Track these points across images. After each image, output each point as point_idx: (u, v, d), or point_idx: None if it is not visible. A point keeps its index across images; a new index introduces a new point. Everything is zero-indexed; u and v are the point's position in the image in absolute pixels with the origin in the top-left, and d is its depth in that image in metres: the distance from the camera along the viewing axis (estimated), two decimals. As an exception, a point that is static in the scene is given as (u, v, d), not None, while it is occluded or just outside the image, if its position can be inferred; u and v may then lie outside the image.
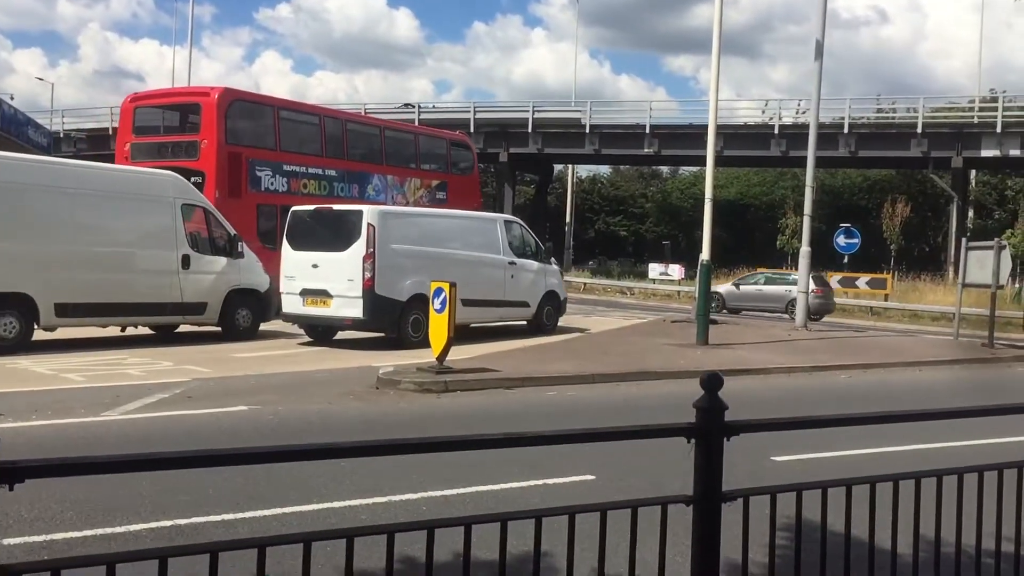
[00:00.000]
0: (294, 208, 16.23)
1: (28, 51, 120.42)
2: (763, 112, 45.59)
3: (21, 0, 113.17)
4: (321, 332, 15.96)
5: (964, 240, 21.51)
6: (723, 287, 28.49)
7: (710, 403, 2.75)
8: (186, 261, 15.02)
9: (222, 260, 15.64)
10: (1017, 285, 30.83)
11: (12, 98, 39.60)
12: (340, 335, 16.00)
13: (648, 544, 2.87)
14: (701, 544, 2.77)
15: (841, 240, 30.32)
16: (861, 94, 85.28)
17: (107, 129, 49.00)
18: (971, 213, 47.13)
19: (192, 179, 18.10)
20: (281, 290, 15.76)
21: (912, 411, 3.69)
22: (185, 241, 15.11)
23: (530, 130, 44.03)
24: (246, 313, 15.96)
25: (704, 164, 18.10)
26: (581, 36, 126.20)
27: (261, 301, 16.21)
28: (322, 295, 15.02)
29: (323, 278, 14.98)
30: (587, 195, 66.33)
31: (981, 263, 18.97)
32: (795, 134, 38.73)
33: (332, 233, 15.30)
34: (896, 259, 40.64)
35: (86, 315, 14.08)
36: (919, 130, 38.98)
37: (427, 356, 12.33)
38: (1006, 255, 18.85)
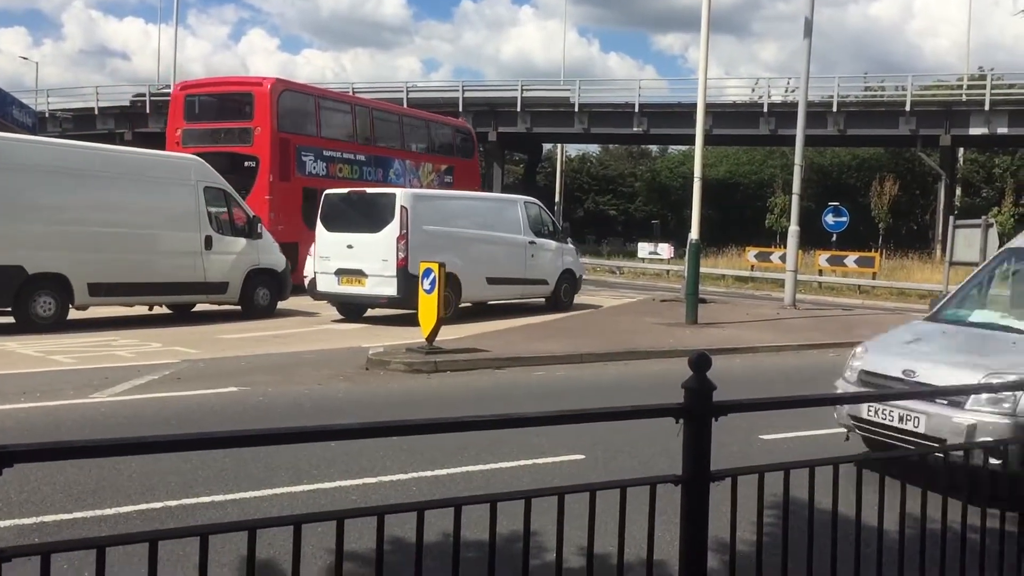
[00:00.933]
0: (327, 191, 16.89)
1: (11, 30, 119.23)
2: (752, 91, 45.60)
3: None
4: (352, 310, 16.60)
5: (952, 218, 21.58)
6: None
7: (698, 384, 2.76)
8: (209, 242, 15.60)
9: (242, 241, 16.23)
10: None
11: (-4, 78, 39.16)
12: (368, 313, 16.63)
13: (637, 523, 2.88)
14: (689, 523, 2.79)
15: (829, 219, 30.34)
16: (849, 72, 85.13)
17: (92, 109, 48.72)
18: (959, 191, 47.25)
19: (246, 163, 20.14)
20: (316, 270, 16.38)
21: (899, 390, 3.71)
22: (208, 223, 15.67)
23: (519, 109, 43.87)
24: (264, 292, 16.60)
25: (693, 143, 18.09)
26: (570, 14, 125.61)
27: (278, 280, 16.85)
28: (357, 274, 15.70)
29: (358, 258, 15.63)
30: (576, 174, 66.25)
31: (968, 241, 19.04)
32: (784, 112, 38.69)
33: (366, 215, 15.97)
34: (884, 237, 40.74)
35: (116, 294, 14.65)
36: (907, 108, 39.00)
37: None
38: (993, 233, 18.91)
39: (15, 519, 5.22)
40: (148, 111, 47.96)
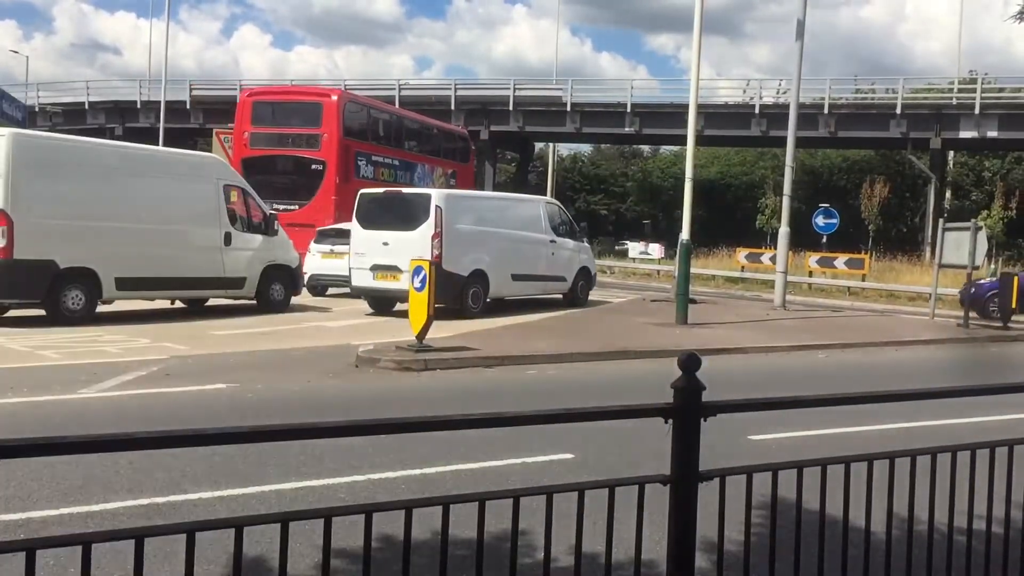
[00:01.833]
0: (363, 191, 17.87)
1: (2, 23, 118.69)
2: (744, 92, 45.69)
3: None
4: (384, 303, 17.21)
5: (941, 221, 21.66)
6: None
7: (687, 384, 2.77)
8: (228, 238, 16.03)
9: (258, 237, 16.70)
10: (992, 266, 31.10)
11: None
12: (398, 307, 16.96)
13: (625, 523, 2.88)
14: (677, 523, 2.79)
15: (820, 220, 30.43)
16: (840, 74, 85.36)
17: (83, 103, 48.52)
18: (948, 194, 47.44)
19: (312, 166, 22.30)
20: (351, 265, 17.10)
21: (887, 391, 3.72)
22: (227, 219, 16.09)
23: (511, 108, 43.86)
24: (279, 287, 17.04)
25: (685, 143, 18.11)
26: (562, 13, 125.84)
27: (292, 276, 17.39)
28: (392, 270, 16.09)
29: (393, 254, 16.06)
30: (568, 173, 66.26)
31: (958, 244, 19.13)
32: (775, 114, 38.79)
33: (401, 214, 16.77)
34: (874, 239, 40.85)
35: (142, 288, 15.05)
36: (898, 111, 39.13)
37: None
38: (982, 236, 19.01)
39: (1, 514, 5.20)
40: (139, 106, 47.84)
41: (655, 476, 2.82)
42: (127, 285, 14.59)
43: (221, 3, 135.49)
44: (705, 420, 2.79)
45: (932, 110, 39.70)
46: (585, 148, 71.27)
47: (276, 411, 8.29)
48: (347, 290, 19.88)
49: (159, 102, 42.48)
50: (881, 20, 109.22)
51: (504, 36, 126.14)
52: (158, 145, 28.55)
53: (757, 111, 41.34)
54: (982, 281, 21.61)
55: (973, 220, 19.86)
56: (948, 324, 19.30)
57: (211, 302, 16.73)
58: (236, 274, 16.23)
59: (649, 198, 63.29)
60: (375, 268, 16.50)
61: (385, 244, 16.38)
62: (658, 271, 35.51)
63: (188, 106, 46.15)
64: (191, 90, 47.31)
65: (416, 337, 11.65)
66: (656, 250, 37.37)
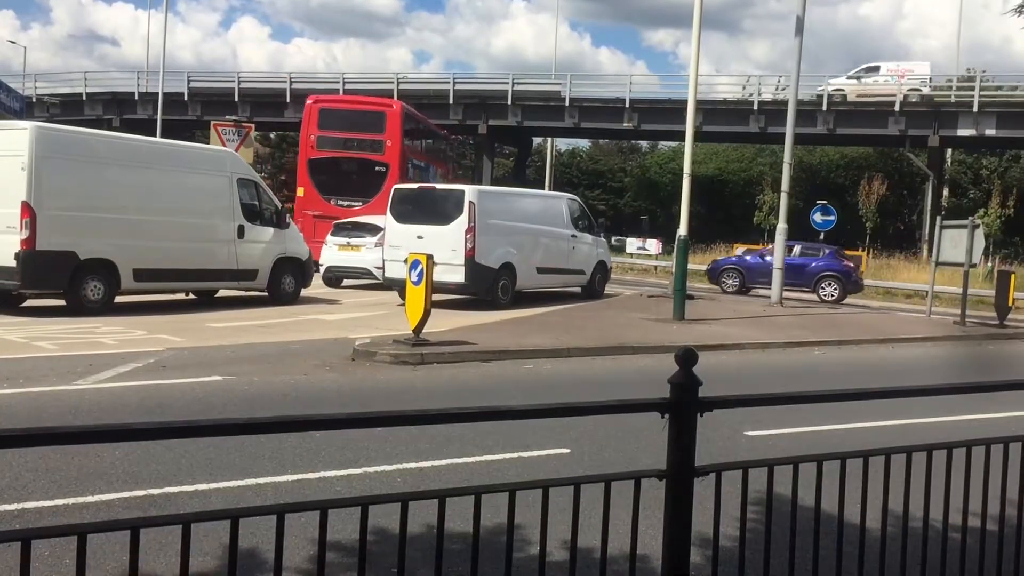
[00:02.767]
0: (396, 186, 18.71)
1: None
2: (743, 88, 45.55)
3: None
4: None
5: (939, 219, 21.68)
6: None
7: (684, 379, 2.76)
8: (241, 231, 16.29)
9: (270, 230, 16.95)
10: (989, 264, 31.14)
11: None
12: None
13: (621, 517, 2.89)
14: (673, 518, 2.79)
15: (817, 217, 30.42)
16: (839, 72, 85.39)
17: (81, 95, 48.39)
18: (946, 192, 47.43)
19: (376, 168, 24.89)
20: (385, 258, 17.69)
21: (883, 388, 3.72)
22: (240, 212, 16.33)
23: (510, 102, 43.76)
24: (290, 279, 17.31)
25: (683, 139, 18.11)
26: (561, 8, 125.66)
27: (303, 268, 17.67)
28: None
29: (428, 248, 16.48)
30: (566, 168, 66.18)
31: (955, 242, 19.15)
32: (774, 111, 38.74)
33: (436, 209, 17.44)
34: (871, 237, 40.84)
35: (158, 280, 15.28)
36: (897, 108, 39.12)
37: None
38: (979, 234, 19.03)
39: (-4, 505, 5.19)
40: (137, 98, 47.72)
41: (651, 471, 2.82)
42: (144, 276, 14.82)
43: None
44: (702, 415, 2.79)
45: (930, 108, 39.69)
46: (583, 143, 71.30)
47: (272, 404, 8.29)
48: (361, 282, 20.61)
49: (157, 94, 42.33)
50: (880, 17, 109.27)
51: (503, 31, 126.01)
52: (156, 137, 28.54)
53: (756, 107, 41.29)
54: (719, 258, 28.61)
55: (970, 218, 19.88)
56: (944, 322, 19.33)
57: (221, 293, 16.85)
58: (249, 266, 16.48)
59: (647, 194, 63.21)
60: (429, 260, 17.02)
61: (420, 238, 16.76)
62: (655, 267, 35.52)
63: (186, 98, 46.03)
64: (189, 82, 47.19)
65: (413, 331, 11.64)
66: (654, 246, 37.38)
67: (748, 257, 28.39)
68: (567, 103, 43.40)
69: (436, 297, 17.56)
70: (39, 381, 8.80)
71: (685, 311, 16.55)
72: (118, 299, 15.00)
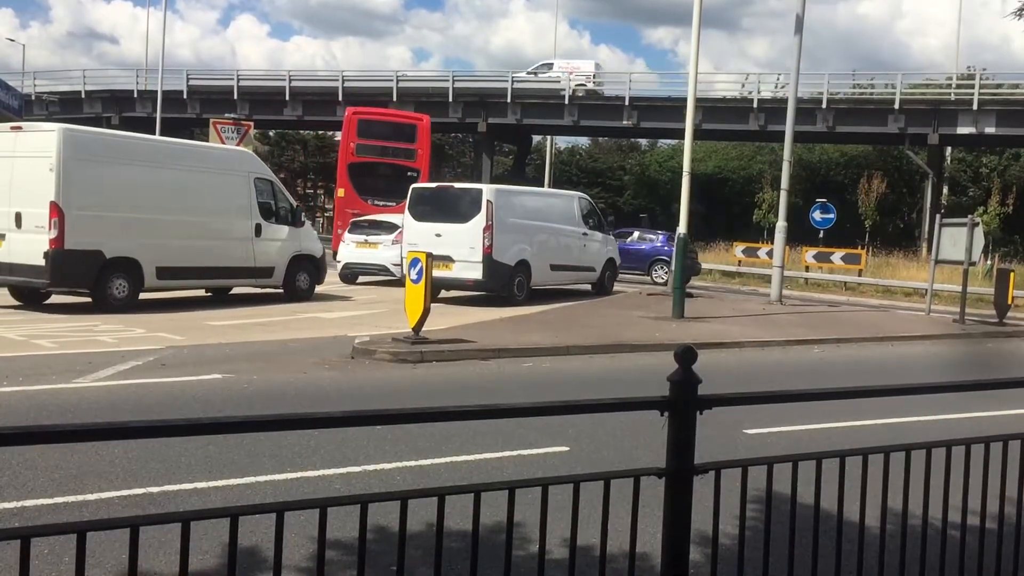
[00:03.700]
0: (414, 186, 19.50)
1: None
2: (742, 86, 45.52)
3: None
4: (432, 291, 18.04)
5: (938, 217, 21.67)
6: None
7: (684, 376, 2.76)
8: (258, 229, 16.61)
9: (286, 228, 17.26)
10: (988, 262, 31.14)
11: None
12: (443, 294, 17.79)
13: (621, 515, 2.89)
14: (672, 516, 2.79)
15: (817, 215, 30.44)
16: (838, 70, 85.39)
17: (79, 92, 48.32)
18: (945, 190, 47.40)
19: (408, 173, 26.79)
20: (403, 255, 18.14)
21: (882, 386, 3.73)
22: (257, 211, 16.66)
23: (509, 100, 43.72)
24: (305, 277, 17.63)
25: (683, 137, 18.11)
26: (561, 5, 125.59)
27: (317, 265, 17.98)
28: (445, 260, 16.95)
29: (446, 245, 17.09)
30: (565, 166, 66.13)
31: (954, 240, 19.13)
32: (774, 108, 38.71)
33: (453, 207, 17.88)
34: (871, 235, 40.83)
35: (180, 278, 15.65)
36: (896, 106, 39.07)
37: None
38: (979, 232, 19.02)
39: (-4, 503, 5.19)
40: (136, 96, 47.68)
41: (651, 469, 2.82)
42: (167, 275, 15.16)
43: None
44: (701, 413, 2.79)
45: (930, 106, 39.65)
46: (583, 141, 71.27)
47: (271, 402, 8.28)
48: (378, 278, 21.03)
49: (156, 91, 42.26)
50: (879, 16, 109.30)
51: (502, 29, 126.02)
52: (155, 135, 28.54)
53: (755, 105, 41.26)
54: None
55: (970, 216, 19.87)
56: (944, 320, 19.33)
57: (235, 291, 17.16)
58: (266, 264, 16.81)
59: (646, 192, 63.16)
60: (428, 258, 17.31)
61: (438, 236, 17.17)
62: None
63: (185, 96, 45.99)
64: (188, 80, 47.15)
65: (412, 329, 11.64)
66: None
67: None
68: (567, 101, 43.38)
69: (445, 294, 18.00)
70: (38, 379, 8.80)
71: (684, 309, 16.54)
72: (71, 300, 15.04)
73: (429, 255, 11.65)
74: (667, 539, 2.81)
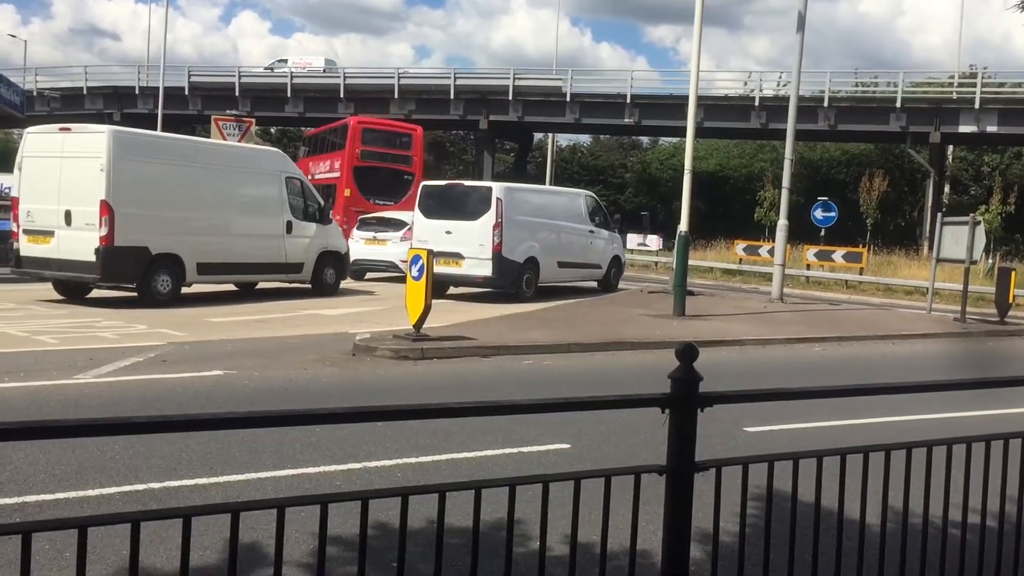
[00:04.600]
0: (424, 183, 19.75)
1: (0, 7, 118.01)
2: (744, 84, 45.47)
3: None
4: (438, 288, 18.23)
5: (939, 215, 21.64)
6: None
7: (685, 374, 2.76)
8: (289, 227, 17.27)
9: (314, 226, 17.89)
10: (990, 261, 31.11)
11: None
12: (451, 291, 18.25)
13: (621, 513, 2.89)
14: (673, 513, 2.79)
15: (818, 213, 30.40)
16: (839, 68, 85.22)
17: (81, 89, 48.33)
18: (947, 188, 47.36)
19: (405, 176, 29.70)
20: None
21: (883, 384, 3.73)
22: (288, 209, 17.32)
23: (511, 98, 43.69)
24: (331, 272, 18.32)
25: (684, 135, 18.11)
26: (562, 3, 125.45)
27: (342, 261, 18.80)
28: (455, 257, 17.48)
29: (456, 242, 17.54)
30: (567, 164, 66.08)
31: (956, 238, 19.11)
32: (775, 106, 38.68)
33: (463, 205, 18.14)
34: (872, 233, 40.77)
35: (217, 273, 16.31)
36: (898, 105, 39.02)
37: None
38: (980, 231, 18.98)
39: (-3, 499, 5.20)
40: (137, 92, 47.68)
41: (651, 466, 2.82)
42: (206, 270, 15.79)
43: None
44: (702, 411, 2.79)
45: (932, 104, 39.60)
46: (584, 139, 71.21)
47: (272, 398, 8.29)
48: (386, 274, 21.47)
49: (158, 88, 42.29)
50: (880, 14, 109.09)
51: (503, 26, 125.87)
52: (157, 131, 28.56)
53: (757, 103, 41.22)
54: None
55: (971, 215, 19.84)
56: (945, 318, 19.31)
57: (261, 285, 17.86)
58: (296, 259, 17.43)
59: (648, 189, 63.12)
60: (437, 255, 17.09)
61: (448, 233, 17.53)
62: (656, 263, 35.49)
63: (187, 92, 45.99)
64: (190, 76, 47.14)
65: (413, 326, 11.64)
66: (654, 242, 37.30)
67: None
68: (568, 99, 43.34)
69: (452, 291, 18.19)
70: (40, 375, 8.81)
71: (685, 307, 16.52)
72: (112, 294, 15.12)
73: (430, 252, 11.65)
74: (668, 536, 2.81)
